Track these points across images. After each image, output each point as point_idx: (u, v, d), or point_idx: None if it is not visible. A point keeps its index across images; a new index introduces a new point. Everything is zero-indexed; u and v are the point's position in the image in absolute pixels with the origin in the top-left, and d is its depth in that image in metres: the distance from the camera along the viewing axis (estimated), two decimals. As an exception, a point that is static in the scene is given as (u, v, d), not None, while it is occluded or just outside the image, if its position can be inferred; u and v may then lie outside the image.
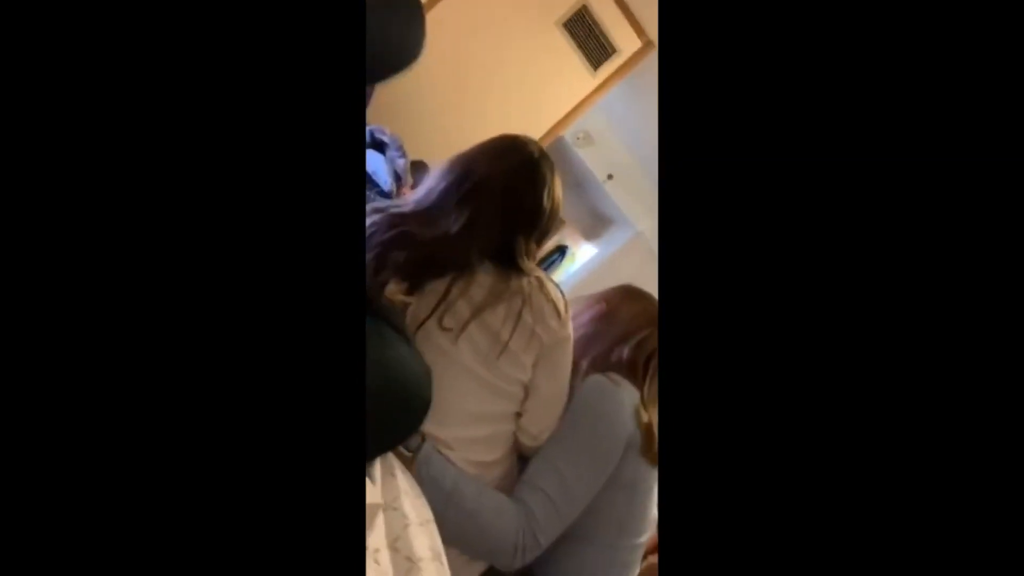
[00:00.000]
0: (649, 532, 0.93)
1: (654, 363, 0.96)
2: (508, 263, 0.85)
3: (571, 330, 0.89)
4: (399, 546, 0.50)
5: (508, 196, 0.86)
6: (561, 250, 4.71)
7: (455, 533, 0.70)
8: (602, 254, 4.09)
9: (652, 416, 0.89)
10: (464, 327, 0.80)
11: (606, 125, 3.41)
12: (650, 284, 1.08)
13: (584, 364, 0.97)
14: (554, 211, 0.91)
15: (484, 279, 0.83)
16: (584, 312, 1.03)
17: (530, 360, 0.84)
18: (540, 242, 0.92)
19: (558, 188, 0.93)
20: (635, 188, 3.72)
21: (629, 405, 0.86)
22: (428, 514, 0.63)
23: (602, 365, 0.95)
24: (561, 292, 0.89)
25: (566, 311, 0.88)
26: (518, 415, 0.86)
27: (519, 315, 0.80)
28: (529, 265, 0.87)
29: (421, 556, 0.49)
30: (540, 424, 0.86)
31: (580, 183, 3.99)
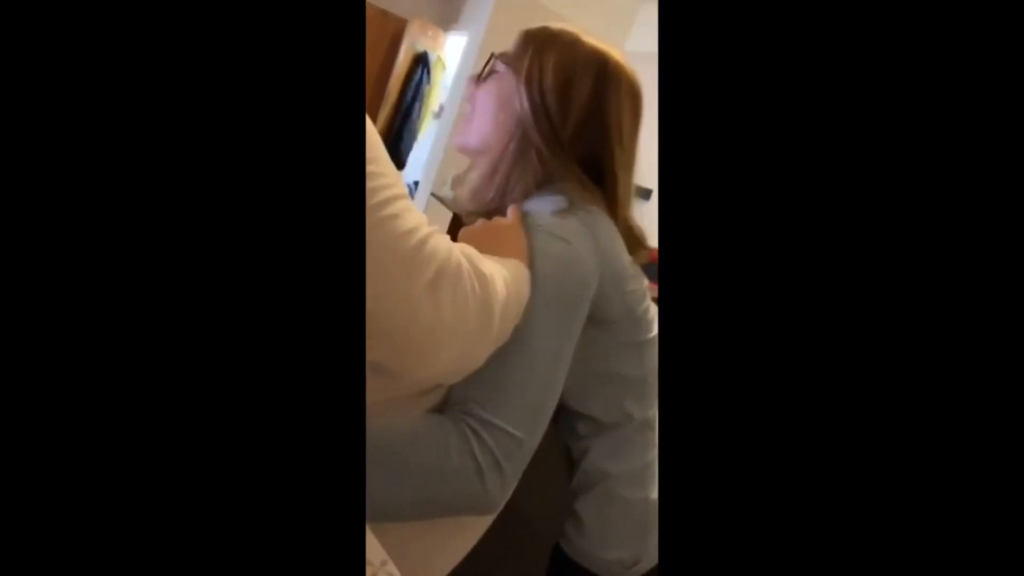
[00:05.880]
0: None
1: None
2: None
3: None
4: None
5: None
6: (423, 59, 3.93)
7: (394, 499, 0.51)
8: (472, 44, 3.46)
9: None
10: None
11: None
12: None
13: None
14: None
15: None
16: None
17: None
18: None
19: None
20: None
21: (590, 256, 0.61)
22: None
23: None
24: None
25: None
26: None
27: None
28: None
29: None
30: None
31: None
